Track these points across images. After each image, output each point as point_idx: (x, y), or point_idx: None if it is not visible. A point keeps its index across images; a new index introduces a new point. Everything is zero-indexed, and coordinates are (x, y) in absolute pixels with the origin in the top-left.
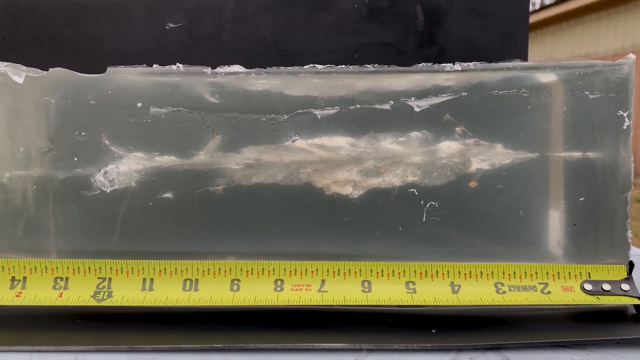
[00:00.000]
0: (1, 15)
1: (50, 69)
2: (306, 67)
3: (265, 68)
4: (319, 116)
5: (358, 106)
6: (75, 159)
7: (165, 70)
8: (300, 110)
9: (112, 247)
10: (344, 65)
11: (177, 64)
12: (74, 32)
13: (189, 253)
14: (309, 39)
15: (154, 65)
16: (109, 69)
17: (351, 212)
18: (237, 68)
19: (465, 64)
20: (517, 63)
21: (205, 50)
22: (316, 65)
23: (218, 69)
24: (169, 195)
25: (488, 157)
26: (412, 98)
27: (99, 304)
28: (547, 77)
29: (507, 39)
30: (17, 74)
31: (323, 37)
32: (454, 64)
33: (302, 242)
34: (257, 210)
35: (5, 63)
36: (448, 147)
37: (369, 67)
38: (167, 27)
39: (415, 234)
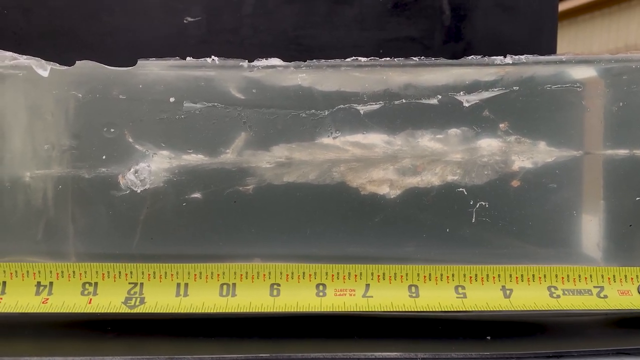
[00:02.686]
0: (12, 8)
1: (77, 61)
2: (348, 60)
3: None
4: (361, 112)
5: (403, 101)
6: (104, 157)
7: (199, 63)
8: (341, 106)
9: (141, 250)
10: (388, 58)
11: (212, 56)
12: (87, 26)
13: (217, 256)
14: (331, 33)
15: (187, 58)
16: (139, 61)
17: (390, 212)
18: (275, 61)
19: (517, 57)
20: (571, 56)
21: (225, 45)
22: (359, 58)
23: (255, 62)
24: (197, 195)
25: (531, 155)
26: (461, 92)
27: (131, 311)
28: (595, 72)
29: (535, 34)
30: (42, 67)
31: (346, 31)
32: (504, 56)
33: (338, 244)
34: (289, 211)
35: (25, 56)
36: (488, 145)
37: (415, 59)
38: (185, 21)
39: (463, 236)
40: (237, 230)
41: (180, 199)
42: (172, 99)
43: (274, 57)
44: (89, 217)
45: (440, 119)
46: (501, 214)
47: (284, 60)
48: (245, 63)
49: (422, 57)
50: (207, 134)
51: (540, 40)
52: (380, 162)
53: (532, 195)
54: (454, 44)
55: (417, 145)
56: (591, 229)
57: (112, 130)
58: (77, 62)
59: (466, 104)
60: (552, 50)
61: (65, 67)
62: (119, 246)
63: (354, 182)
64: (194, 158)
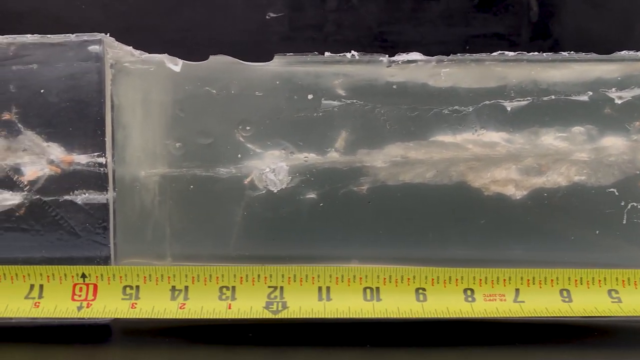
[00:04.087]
0: (90, 4)
1: (210, 56)
2: (494, 54)
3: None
4: (508, 108)
5: (552, 97)
6: (239, 155)
7: (338, 58)
8: (487, 102)
9: (271, 252)
10: (536, 53)
11: (352, 51)
12: (166, 22)
13: (326, 257)
14: (416, 29)
15: (326, 53)
16: (276, 57)
17: (518, 213)
18: (416, 56)
19: None
20: None
21: (307, 41)
22: (505, 52)
23: (396, 57)
24: (314, 195)
25: None
26: (613, 89)
27: (275, 317)
28: None
29: (625, 31)
30: (173, 61)
31: (432, 27)
32: None
33: (463, 246)
34: (407, 212)
35: (138, 51)
36: (614, 144)
37: (564, 54)
38: (267, 17)
39: (613, 237)
40: (348, 231)
41: (303, 199)
42: (310, 96)
43: (361, 52)
44: (223, 218)
45: (588, 116)
46: None
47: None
48: (385, 58)
49: (572, 51)
50: (345, 132)
51: (630, 36)
52: (501, 161)
53: None
54: (541, 41)
55: (540, 143)
56: None
57: (248, 128)
58: (210, 56)
59: (618, 101)
60: None
61: (198, 62)
62: (249, 248)
63: (476, 182)
64: (329, 156)
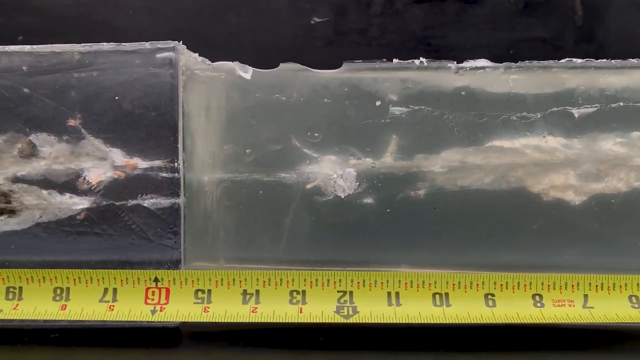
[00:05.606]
0: (138, 9)
1: (281, 63)
2: (562, 61)
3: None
4: (576, 115)
5: (621, 104)
6: (307, 161)
7: (406, 65)
8: (555, 108)
9: (336, 257)
10: (604, 60)
11: (421, 58)
12: (212, 27)
13: (390, 262)
14: (461, 34)
15: (394, 60)
16: (344, 64)
17: (582, 219)
18: (484, 62)
19: None
20: None
21: (352, 46)
22: (572, 59)
23: (464, 64)
24: (379, 201)
25: None
26: None
27: (347, 321)
28: None
29: None
30: (244, 69)
31: (476, 32)
32: None
33: (527, 253)
34: (467, 217)
35: (201, 57)
36: None
37: (634, 60)
38: (312, 21)
39: None
40: (406, 236)
41: (371, 203)
42: (378, 103)
43: (402, 58)
44: (289, 223)
45: None
46: None
47: None
48: (453, 64)
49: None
50: (412, 139)
51: None
52: (559, 166)
53: None
54: (585, 45)
55: (599, 149)
56: None
57: (316, 134)
58: (280, 64)
59: None
60: None
61: (268, 70)
62: (322, 253)
63: (535, 188)
64: (393, 162)
